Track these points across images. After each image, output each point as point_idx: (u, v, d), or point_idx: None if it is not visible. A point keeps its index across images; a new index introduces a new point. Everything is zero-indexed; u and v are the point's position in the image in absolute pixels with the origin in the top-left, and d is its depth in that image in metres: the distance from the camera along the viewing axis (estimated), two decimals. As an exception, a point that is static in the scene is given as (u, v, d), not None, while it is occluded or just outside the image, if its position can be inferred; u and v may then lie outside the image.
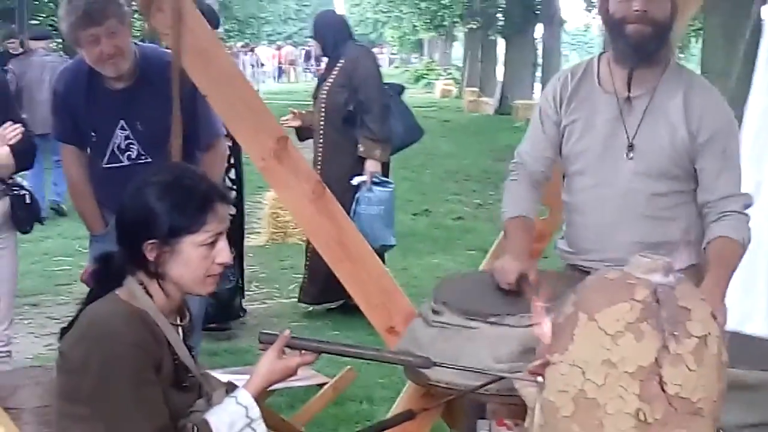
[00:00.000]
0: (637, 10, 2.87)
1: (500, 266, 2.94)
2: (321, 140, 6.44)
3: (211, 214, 2.27)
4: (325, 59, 6.82)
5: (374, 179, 6.28)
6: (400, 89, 6.84)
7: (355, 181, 6.24)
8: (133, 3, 3.94)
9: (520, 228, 3.10)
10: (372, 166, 6.27)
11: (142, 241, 2.24)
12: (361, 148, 6.27)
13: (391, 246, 6.52)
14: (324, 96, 6.39)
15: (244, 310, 6.59)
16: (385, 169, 6.55)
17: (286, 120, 6.56)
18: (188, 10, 3.63)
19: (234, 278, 6.09)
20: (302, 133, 6.68)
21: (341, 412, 4.70)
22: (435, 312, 2.82)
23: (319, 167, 6.35)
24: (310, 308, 6.73)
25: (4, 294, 3.96)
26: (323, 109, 6.40)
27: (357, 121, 6.30)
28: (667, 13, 2.91)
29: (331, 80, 6.40)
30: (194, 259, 2.26)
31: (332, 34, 6.57)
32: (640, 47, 2.92)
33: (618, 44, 2.99)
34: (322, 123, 6.41)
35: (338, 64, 6.40)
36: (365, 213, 6.18)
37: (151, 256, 2.24)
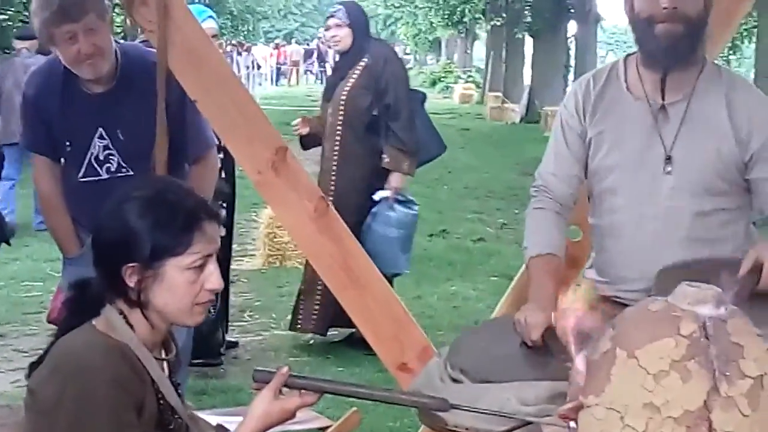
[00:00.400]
0: (666, 8, 2.87)
1: (523, 320, 2.88)
2: (337, 147, 6.38)
3: (198, 233, 2.27)
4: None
5: (399, 196, 6.27)
6: (422, 97, 6.82)
7: (378, 196, 6.22)
8: (114, -4, 3.96)
9: (545, 270, 3.03)
10: (397, 180, 6.26)
11: (121, 264, 2.24)
12: (386, 159, 6.24)
13: (400, 273, 6.54)
14: (344, 98, 6.32)
15: (234, 343, 6.60)
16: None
17: (296, 126, 6.57)
18: (176, 4, 3.66)
19: (215, 309, 6.00)
20: (307, 142, 6.68)
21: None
22: (453, 380, 2.80)
23: (333, 177, 6.36)
24: (311, 341, 6.73)
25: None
26: (341, 113, 6.33)
27: (381, 129, 6.28)
28: (699, 8, 2.91)
29: (352, 81, 6.33)
30: (180, 285, 2.26)
31: (363, 27, 6.55)
32: (671, 49, 2.92)
33: (647, 46, 2.98)
34: (339, 128, 6.36)
35: (360, 63, 6.34)
36: (382, 234, 6.15)
37: (131, 281, 2.24)
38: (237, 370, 6.18)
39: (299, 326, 6.62)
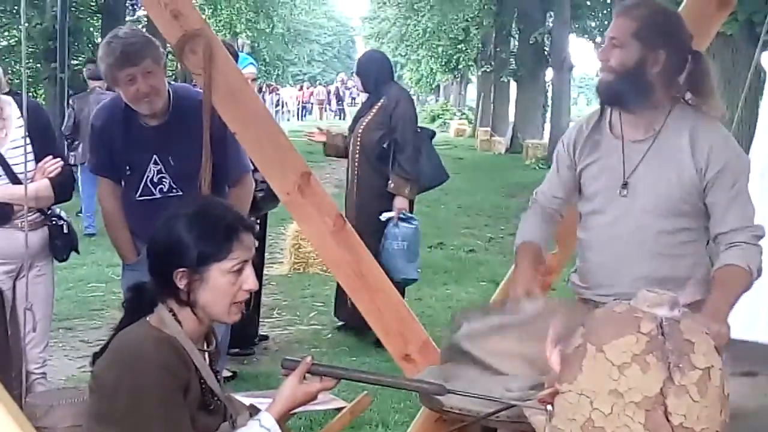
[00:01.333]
0: (600, 60, 3.00)
1: (512, 289, 3.00)
2: (355, 172, 6.44)
3: (237, 242, 2.27)
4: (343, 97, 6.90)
5: (401, 215, 6.26)
6: (431, 134, 6.81)
7: (384, 216, 6.22)
8: (168, 44, 3.97)
9: (528, 251, 3.12)
10: (400, 202, 6.25)
11: (172, 269, 2.24)
12: (391, 185, 6.25)
13: (414, 280, 6.52)
14: (361, 131, 6.38)
15: (265, 337, 6.60)
16: (410, 206, 6.52)
17: (312, 134, 6.64)
18: (219, 53, 3.66)
19: (248, 307, 5.97)
20: (327, 149, 6.76)
21: (357, 434, 4.68)
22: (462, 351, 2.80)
23: (354, 195, 6.41)
24: (329, 335, 6.73)
25: (41, 318, 3.96)
26: (359, 144, 6.39)
27: (390, 159, 6.29)
28: (627, 62, 2.93)
29: (369, 117, 6.38)
30: (222, 286, 2.26)
31: (375, 73, 6.55)
32: (602, 91, 3.02)
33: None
34: (357, 156, 6.41)
35: (378, 103, 6.37)
36: (390, 249, 6.16)
37: (181, 284, 2.25)
38: (267, 359, 6.17)
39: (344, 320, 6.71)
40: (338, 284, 6.48)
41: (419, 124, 6.69)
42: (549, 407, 2.00)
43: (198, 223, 2.28)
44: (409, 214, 6.38)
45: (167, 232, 2.29)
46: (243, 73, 4.06)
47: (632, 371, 1.87)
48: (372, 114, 6.37)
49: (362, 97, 7.13)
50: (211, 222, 2.29)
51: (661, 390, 1.86)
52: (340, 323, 6.80)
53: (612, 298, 2.84)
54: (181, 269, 2.24)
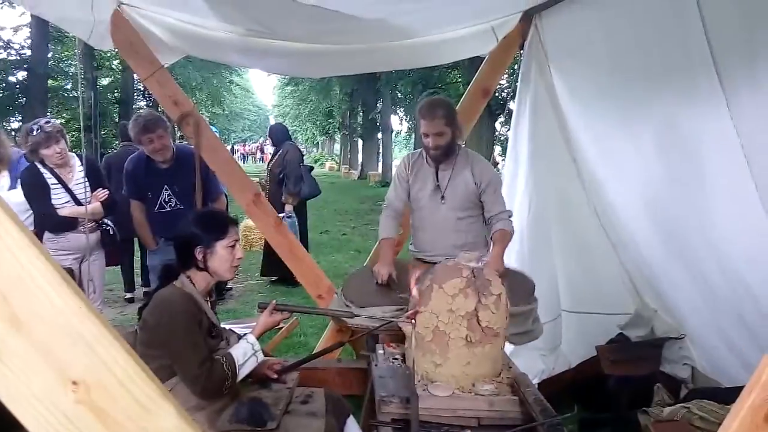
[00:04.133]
0: (430, 145, 2.91)
1: (377, 269, 2.87)
2: (268, 191, 6.37)
3: (230, 228, 2.16)
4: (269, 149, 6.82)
5: (287, 214, 6.20)
6: (311, 168, 6.85)
7: (281, 215, 6.13)
8: (171, 119, 3.74)
9: (389, 245, 3.00)
10: (288, 208, 6.23)
11: (193, 248, 2.11)
12: (283, 198, 6.23)
13: None
14: (270, 169, 6.40)
15: (230, 288, 6.35)
16: (304, 208, 6.51)
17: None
18: (202, 124, 3.49)
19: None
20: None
21: (290, 341, 4.55)
22: (347, 306, 2.73)
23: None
24: (268, 284, 6.53)
25: (97, 285, 3.68)
26: (269, 175, 6.42)
27: (283, 183, 6.26)
28: (447, 141, 2.90)
29: (274, 160, 6.39)
30: (224, 255, 2.14)
31: (277, 134, 6.56)
32: (435, 158, 2.95)
33: (428, 155, 2.99)
34: (269, 183, 6.40)
35: (279, 153, 6.35)
36: None
37: (199, 256, 2.12)
38: (233, 301, 5.91)
39: (265, 275, 6.56)
40: (264, 255, 6.45)
41: (306, 163, 6.67)
42: (413, 321, 1.99)
43: (206, 220, 2.15)
44: (291, 213, 6.28)
45: (187, 228, 2.15)
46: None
47: (459, 298, 1.88)
48: (275, 159, 6.38)
49: (271, 149, 7.12)
50: (214, 217, 2.17)
51: (475, 308, 1.88)
52: (273, 279, 6.61)
53: (434, 257, 2.86)
54: (199, 247, 2.11)
